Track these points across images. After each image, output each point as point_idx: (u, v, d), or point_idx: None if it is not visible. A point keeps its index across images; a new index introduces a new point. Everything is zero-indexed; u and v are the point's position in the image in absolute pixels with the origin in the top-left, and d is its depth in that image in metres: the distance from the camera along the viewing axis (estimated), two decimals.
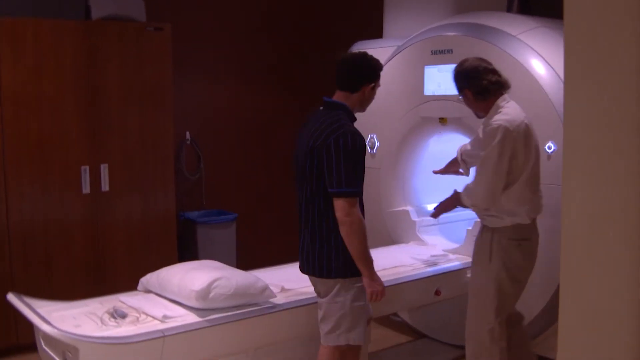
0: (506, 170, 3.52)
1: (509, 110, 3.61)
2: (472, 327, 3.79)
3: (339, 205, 3.22)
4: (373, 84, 3.46)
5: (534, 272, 4.24)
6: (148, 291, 3.83)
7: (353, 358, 3.46)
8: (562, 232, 1.56)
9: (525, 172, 3.57)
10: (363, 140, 3.30)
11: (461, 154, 4.16)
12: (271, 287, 3.71)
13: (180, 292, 3.51)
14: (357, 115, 3.53)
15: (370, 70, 3.46)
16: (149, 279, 3.81)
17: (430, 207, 5.16)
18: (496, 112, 3.62)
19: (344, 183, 3.19)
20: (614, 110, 1.46)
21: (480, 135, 3.71)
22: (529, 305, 4.27)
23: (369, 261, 3.30)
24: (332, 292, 3.36)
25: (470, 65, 3.74)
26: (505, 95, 3.70)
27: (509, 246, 3.64)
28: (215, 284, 3.45)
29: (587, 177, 1.52)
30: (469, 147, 4.05)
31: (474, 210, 3.82)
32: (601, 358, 1.55)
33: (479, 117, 3.80)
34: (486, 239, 3.71)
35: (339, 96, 3.48)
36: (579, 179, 1.54)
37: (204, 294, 3.41)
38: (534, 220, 3.72)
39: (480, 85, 3.66)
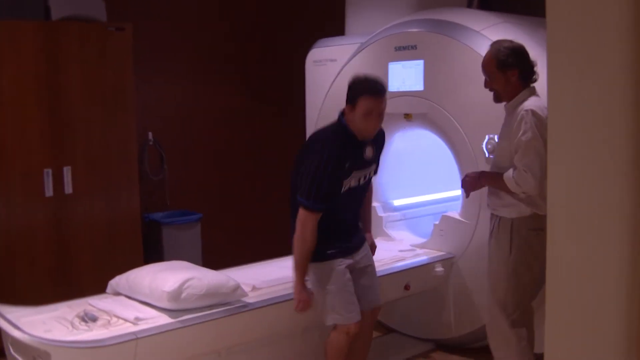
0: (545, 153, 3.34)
1: (536, 98, 3.56)
2: (495, 322, 3.72)
3: (299, 213, 3.50)
4: (351, 105, 3.51)
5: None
6: (117, 293, 3.79)
7: (346, 338, 3.61)
8: (548, 225, 1.58)
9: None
10: (335, 165, 3.46)
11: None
12: (242, 287, 3.70)
13: (152, 293, 3.49)
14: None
15: (349, 91, 3.55)
16: (118, 282, 3.77)
17: (397, 202, 5.21)
18: (523, 100, 3.56)
19: (305, 195, 3.47)
20: (597, 103, 1.48)
21: (508, 125, 3.61)
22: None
23: (301, 272, 3.56)
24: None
25: (520, 45, 3.66)
26: (530, 89, 3.63)
27: (528, 236, 3.56)
28: (186, 285, 3.43)
29: (572, 170, 1.54)
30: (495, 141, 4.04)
31: (515, 198, 3.57)
32: (588, 351, 1.57)
33: (500, 100, 3.70)
34: (505, 231, 3.62)
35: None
36: (563, 172, 1.56)
37: (176, 294, 3.39)
38: None
39: (531, 66, 3.61)
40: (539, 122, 3.41)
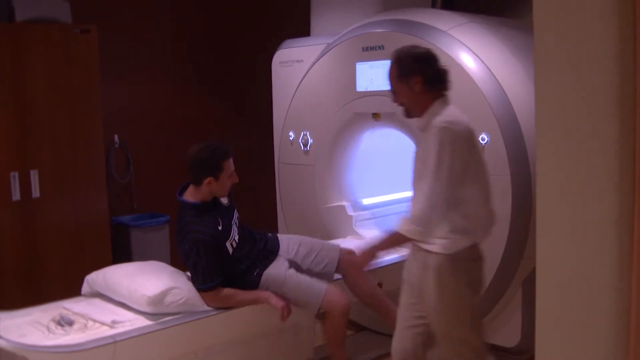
0: (453, 177, 2.99)
1: (450, 112, 3.11)
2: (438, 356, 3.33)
3: (204, 299, 3.64)
4: (213, 176, 3.71)
5: None
6: (94, 290, 3.76)
7: (340, 319, 3.80)
8: (537, 228, 1.62)
9: (477, 183, 3.11)
10: (206, 242, 3.59)
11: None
12: None
13: (131, 295, 3.48)
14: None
15: (210, 164, 3.72)
16: (95, 278, 3.76)
17: (366, 201, 5.25)
18: (435, 114, 3.09)
19: (200, 282, 3.61)
20: (584, 105, 1.52)
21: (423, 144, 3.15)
22: None
23: (257, 301, 3.71)
24: None
25: (424, 49, 3.28)
26: (445, 98, 3.19)
27: (464, 268, 3.13)
28: (170, 292, 3.45)
29: (559, 172, 1.58)
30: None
31: (415, 239, 3.11)
32: (578, 352, 1.61)
33: (410, 116, 3.24)
34: (436, 271, 3.09)
35: (189, 190, 3.84)
36: (551, 174, 1.59)
37: (157, 300, 3.39)
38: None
39: (435, 70, 3.18)
40: (449, 140, 2.97)
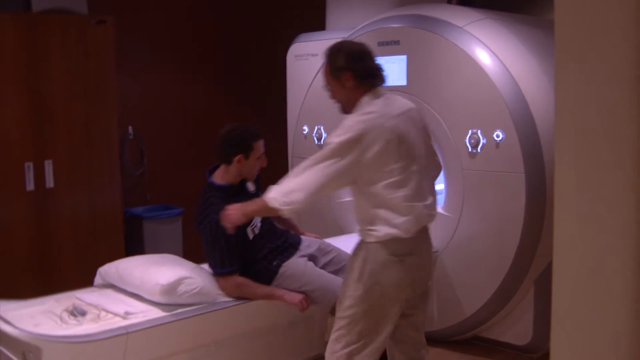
0: (342, 174, 2.95)
1: (369, 109, 3.03)
2: (331, 348, 3.15)
3: (218, 284, 3.66)
4: (244, 154, 3.70)
5: (482, 260, 4.35)
6: (106, 282, 3.78)
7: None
8: (555, 223, 1.61)
9: (390, 178, 2.96)
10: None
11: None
12: None
13: (143, 286, 3.48)
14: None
15: (239, 143, 3.72)
16: (108, 270, 3.77)
17: None
18: (358, 110, 3.05)
19: (218, 265, 3.62)
20: (604, 98, 1.51)
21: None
22: (479, 292, 4.37)
23: (271, 297, 3.70)
24: None
25: (356, 44, 3.26)
26: (376, 91, 3.11)
27: (385, 263, 3.01)
28: (183, 282, 3.45)
29: (578, 167, 1.57)
30: None
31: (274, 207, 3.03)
32: (595, 349, 1.60)
33: (346, 112, 3.15)
34: (359, 254, 3.08)
35: (219, 170, 3.82)
36: (570, 170, 1.58)
37: (171, 290, 3.39)
38: (420, 232, 3.08)
39: (368, 66, 3.12)
40: (352, 138, 2.92)
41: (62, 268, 4.99)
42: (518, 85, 4.21)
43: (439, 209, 4.59)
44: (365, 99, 3.06)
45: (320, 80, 5.23)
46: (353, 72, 3.07)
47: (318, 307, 4.04)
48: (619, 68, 1.49)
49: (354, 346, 3.07)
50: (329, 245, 4.11)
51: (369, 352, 3.08)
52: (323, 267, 3.96)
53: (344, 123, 3.00)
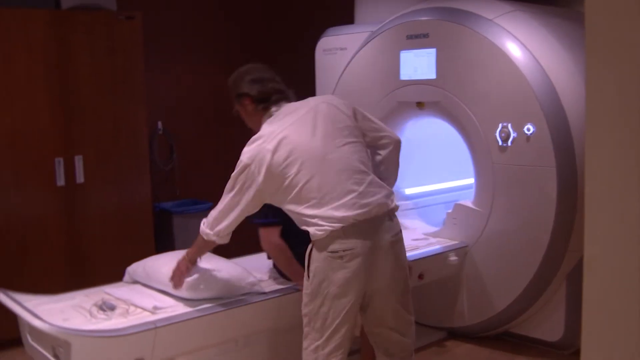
0: (250, 203, 3.18)
1: (257, 135, 3.26)
2: (304, 345, 3.21)
3: (260, 235, 3.73)
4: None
5: (513, 255, 4.30)
6: (134, 281, 3.79)
7: None
8: (585, 222, 1.58)
9: (290, 194, 3.08)
10: None
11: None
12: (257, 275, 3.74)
13: (169, 281, 3.48)
14: None
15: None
16: (135, 269, 3.78)
17: (409, 191, 5.21)
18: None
19: (261, 215, 3.57)
20: (637, 89, 1.47)
21: None
22: (509, 287, 4.33)
23: (297, 275, 3.59)
24: None
25: (250, 66, 3.52)
26: (270, 110, 3.36)
27: (327, 260, 3.02)
28: (206, 275, 3.43)
29: (609, 167, 1.53)
30: None
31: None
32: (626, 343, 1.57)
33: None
34: (307, 253, 3.13)
35: None
36: (600, 169, 1.55)
37: (195, 284, 3.38)
38: (354, 227, 3.00)
39: (265, 89, 3.39)
40: (243, 171, 3.21)
41: (93, 263, 5.02)
42: (549, 77, 4.15)
43: (469, 203, 4.55)
44: (264, 124, 3.28)
45: (349, 73, 5.25)
46: (250, 97, 3.37)
47: None
48: None
49: (317, 343, 3.10)
50: None
51: (333, 349, 3.08)
52: None
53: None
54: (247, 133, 3.73)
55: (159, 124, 6.14)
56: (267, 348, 3.77)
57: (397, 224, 3.18)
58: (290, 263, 3.70)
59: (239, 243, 4.00)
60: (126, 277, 3.84)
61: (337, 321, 3.06)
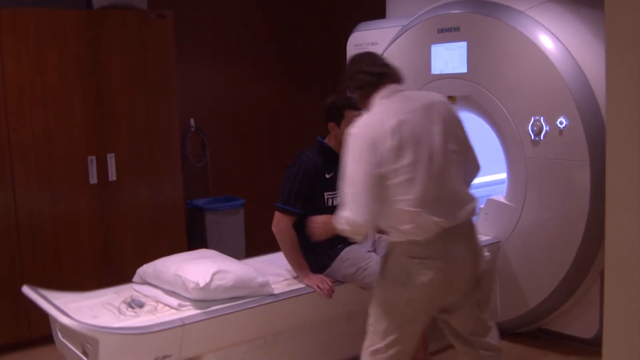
0: (369, 180, 2.84)
1: (375, 110, 3.02)
2: (364, 345, 3.13)
3: (274, 217, 3.81)
4: (336, 122, 3.82)
5: (546, 251, 4.24)
6: (144, 282, 3.78)
7: None
8: (607, 210, 1.54)
9: (395, 178, 2.86)
10: (309, 168, 3.78)
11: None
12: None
13: (177, 282, 3.46)
14: None
15: (332, 110, 3.85)
16: (146, 270, 3.76)
17: None
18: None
19: (279, 198, 3.78)
20: None
21: None
22: (542, 283, 4.26)
23: (297, 268, 3.81)
24: None
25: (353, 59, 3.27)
26: (386, 89, 3.06)
27: (407, 264, 2.94)
28: (216, 276, 3.41)
29: (632, 156, 1.50)
30: None
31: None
32: None
33: None
34: (386, 253, 3.09)
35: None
36: (623, 159, 1.51)
37: (205, 285, 3.36)
38: (439, 235, 2.90)
39: (360, 80, 3.12)
40: (352, 143, 2.91)
41: (125, 260, 5.05)
42: (582, 70, 4.08)
43: (502, 198, 4.49)
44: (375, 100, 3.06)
45: None
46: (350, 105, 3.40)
47: None
48: None
49: (377, 346, 3.03)
50: None
51: (393, 355, 3.01)
52: None
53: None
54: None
55: (192, 121, 6.16)
56: (298, 345, 3.76)
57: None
58: (293, 253, 3.80)
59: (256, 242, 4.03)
60: (136, 278, 3.83)
61: (405, 328, 3.00)
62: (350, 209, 2.85)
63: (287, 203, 3.74)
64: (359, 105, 3.18)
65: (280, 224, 3.77)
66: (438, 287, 2.94)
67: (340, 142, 3.80)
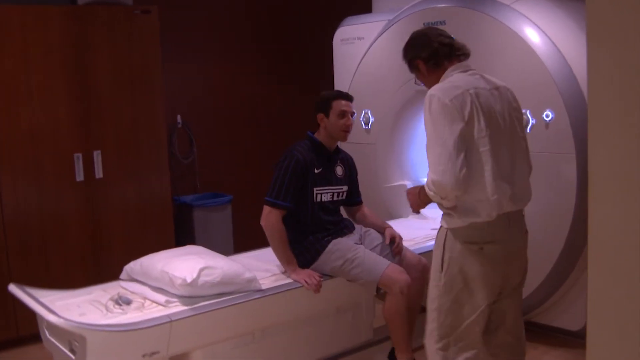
0: (457, 141, 2.81)
1: (452, 79, 3.03)
2: (428, 343, 3.09)
3: (263, 211, 3.82)
4: (323, 113, 3.93)
5: (534, 244, 4.24)
6: (131, 279, 3.76)
7: (398, 296, 3.71)
8: (589, 192, 1.54)
9: (476, 154, 2.87)
10: (299, 163, 3.80)
11: None
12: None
13: (163, 278, 3.45)
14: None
15: (319, 102, 3.96)
16: (133, 267, 3.75)
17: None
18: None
19: (270, 192, 3.80)
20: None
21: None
22: (529, 277, 4.26)
23: (285, 262, 3.81)
24: None
25: (419, 32, 3.27)
26: (461, 64, 3.13)
27: (465, 251, 2.93)
28: (203, 272, 3.39)
29: (613, 134, 1.50)
30: None
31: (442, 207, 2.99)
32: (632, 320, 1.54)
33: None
34: (439, 242, 3.03)
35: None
36: (604, 138, 1.51)
37: (193, 281, 3.34)
38: (501, 217, 2.92)
39: (431, 48, 3.12)
40: (437, 107, 2.89)
41: (113, 257, 5.03)
42: (568, 63, 4.09)
43: None
44: (448, 74, 3.08)
45: (366, 62, 5.21)
46: (422, 59, 3.15)
47: (364, 292, 4.01)
48: None
49: (445, 340, 3.00)
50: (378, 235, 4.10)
51: (464, 346, 2.99)
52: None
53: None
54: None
55: (178, 117, 6.14)
56: (286, 340, 3.76)
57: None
58: (282, 248, 3.80)
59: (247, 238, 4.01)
60: (123, 275, 3.81)
61: (470, 318, 2.98)
62: (435, 171, 2.82)
63: (277, 197, 3.77)
64: (428, 75, 3.16)
65: (270, 217, 3.77)
66: (496, 274, 2.97)
67: (330, 133, 3.93)
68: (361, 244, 3.97)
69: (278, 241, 3.78)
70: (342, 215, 4.12)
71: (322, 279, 3.75)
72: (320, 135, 3.98)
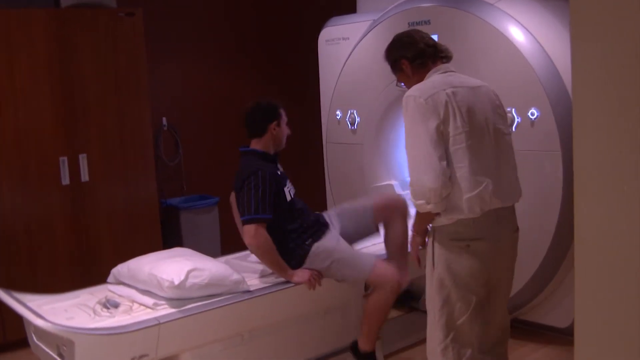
0: (434, 138, 2.87)
1: (429, 80, 3.08)
2: (429, 346, 3.13)
3: (247, 230, 3.67)
4: (276, 122, 3.91)
5: (522, 241, 4.25)
6: (119, 282, 3.75)
7: (389, 294, 3.79)
8: (575, 187, 1.55)
9: (455, 151, 2.92)
10: (267, 174, 3.72)
11: None
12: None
13: (151, 281, 3.44)
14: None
15: (268, 113, 3.93)
16: (120, 270, 3.74)
17: None
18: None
19: (252, 210, 3.65)
20: (622, 64, 1.44)
21: None
22: (516, 275, 4.28)
23: (282, 272, 3.74)
24: None
25: (402, 34, 3.31)
26: (442, 66, 3.16)
27: (452, 249, 2.97)
28: (191, 274, 3.39)
29: (597, 129, 1.51)
30: None
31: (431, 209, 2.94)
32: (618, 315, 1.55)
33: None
34: (430, 241, 3.08)
35: (253, 144, 3.97)
36: (589, 133, 1.52)
37: (180, 283, 3.34)
38: (489, 214, 2.96)
39: (417, 48, 3.15)
40: (414, 107, 2.95)
41: (100, 261, 5.01)
42: (552, 61, 4.10)
43: None
44: (429, 76, 3.13)
45: (351, 63, 5.21)
46: (407, 59, 3.18)
47: (353, 292, 4.01)
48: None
49: (445, 341, 3.01)
50: (346, 210, 4.18)
51: (462, 344, 3.01)
52: (355, 232, 4.07)
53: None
54: None
55: (164, 119, 6.12)
56: (275, 341, 3.75)
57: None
58: (276, 258, 3.72)
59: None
60: (110, 278, 3.80)
61: (464, 315, 3.00)
62: (414, 169, 2.92)
63: (257, 211, 3.65)
64: (412, 76, 3.18)
65: (259, 234, 3.64)
66: (484, 271, 2.99)
67: (278, 141, 3.94)
68: (340, 234, 3.97)
69: (272, 254, 3.70)
70: (312, 213, 4.04)
71: (317, 272, 3.76)
72: (260, 144, 3.92)
